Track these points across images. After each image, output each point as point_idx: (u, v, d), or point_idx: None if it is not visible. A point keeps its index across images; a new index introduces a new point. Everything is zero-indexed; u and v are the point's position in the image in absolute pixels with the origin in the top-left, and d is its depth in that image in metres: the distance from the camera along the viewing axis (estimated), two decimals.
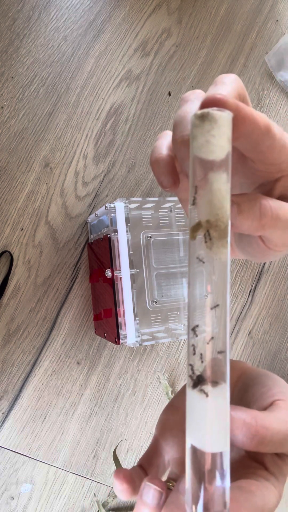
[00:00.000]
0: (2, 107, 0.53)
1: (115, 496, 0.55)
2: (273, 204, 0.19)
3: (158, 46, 0.62)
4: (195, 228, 0.17)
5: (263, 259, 0.24)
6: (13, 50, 0.54)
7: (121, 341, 0.45)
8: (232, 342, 0.65)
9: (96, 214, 0.51)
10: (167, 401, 0.59)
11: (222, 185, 0.17)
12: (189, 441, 0.17)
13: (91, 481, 0.55)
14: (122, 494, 0.22)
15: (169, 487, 0.21)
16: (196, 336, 0.17)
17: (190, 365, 0.17)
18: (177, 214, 0.53)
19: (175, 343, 0.61)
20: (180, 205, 0.52)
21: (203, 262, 0.17)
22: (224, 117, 0.16)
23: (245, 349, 0.66)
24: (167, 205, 0.51)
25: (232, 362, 0.27)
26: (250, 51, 0.68)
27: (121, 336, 0.45)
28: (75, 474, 0.54)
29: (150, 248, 0.51)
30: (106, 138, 0.58)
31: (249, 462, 0.21)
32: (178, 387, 0.60)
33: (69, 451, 0.54)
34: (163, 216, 0.52)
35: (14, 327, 0.52)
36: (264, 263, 0.68)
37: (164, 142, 0.22)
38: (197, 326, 0.17)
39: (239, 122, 0.17)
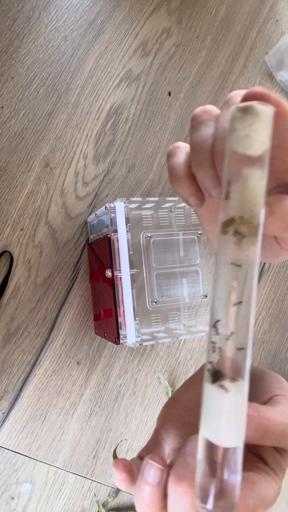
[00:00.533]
0: (2, 107, 0.53)
1: (115, 496, 0.55)
2: None
3: (158, 46, 0.62)
4: (227, 223, 0.17)
5: (274, 259, 0.24)
6: (13, 50, 0.54)
7: (121, 341, 0.45)
8: None
9: (96, 214, 0.51)
10: None
11: (257, 181, 0.16)
12: (203, 435, 0.17)
13: (91, 481, 0.55)
14: (121, 484, 0.22)
15: None
16: (218, 331, 0.17)
17: (210, 361, 0.17)
18: (177, 214, 0.53)
19: (175, 343, 0.61)
20: (180, 205, 0.52)
21: (231, 258, 0.17)
22: (267, 112, 0.16)
23: None
24: (167, 205, 0.51)
25: None
26: (250, 51, 0.68)
27: (121, 336, 0.45)
28: (75, 474, 0.54)
29: (150, 248, 0.51)
30: (106, 138, 0.58)
31: (250, 456, 0.21)
32: (178, 387, 0.60)
33: (69, 451, 0.54)
34: (163, 216, 0.52)
35: (14, 327, 0.52)
36: (264, 263, 0.68)
37: (180, 160, 0.22)
38: (218, 321, 0.17)
39: (278, 118, 0.17)
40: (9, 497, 0.51)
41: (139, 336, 0.46)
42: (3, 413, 0.51)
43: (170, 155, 0.23)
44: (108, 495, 0.55)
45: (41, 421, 0.53)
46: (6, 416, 0.51)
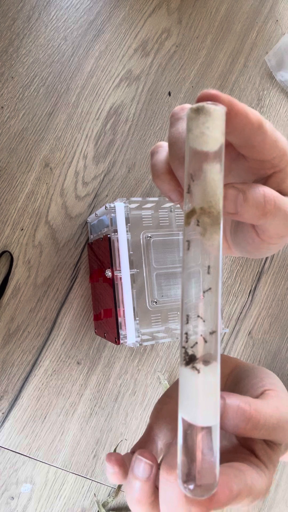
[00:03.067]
0: (2, 107, 0.53)
1: (115, 496, 0.55)
2: (275, 193, 0.20)
3: (158, 46, 0.62)
4: (189, 215, 0.18)
5: (258, 253, 0.24)
6: (13, 50, 0.54)
7: (121, 341, 0.45)
8: (232, 342, 0.65)
9: (96, 214, 0.51)
10: None
11: (215, 174, 0.18)
12: (180, 415, 0.17)
13: (91, 481, 0.55)
14: (113, 477, 0.22)
15: None
16: (189, 317, 0.18)
17: (183, 346, 0.18)
18: (177, 214, 0.53)
19: (175, 343, 0.61)
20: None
21: (196, 247, 0.18)
22: (218, 111, 0.17)
23: (245, 349, 0.66)
24: (167, 205, 0.51)
25: (227, 357, 0.28)
26: (250, 51, 0.68)
27: (121, 336, 0.45)
28: (75, 474, 0.54)
29: (150, 248, 0.51)
30: (106, 138, 0.58)
31: (241, 450, 0.21)
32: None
33: (69, 451, 0.54)
34: (163, 216, 0.52)
35: (14, 327, 0.52)
36: (264, 263, 0.68)
37: (161, 157, 0.23)
38: (189, 308, 0.18)
39: (232, 116, 0.18)
40: (9, 497, 0.51)
41: (139, 336, 0.46)
42: (3, 413, 0.51)
43: (152, 153, 0.24)
44: (108, 495, 0.55)
45: (41, 421, 0.53)
46: (6, 416, 0.51)
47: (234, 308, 0.66)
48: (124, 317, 0.45)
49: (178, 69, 0.63)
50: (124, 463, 0.22)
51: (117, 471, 0.22)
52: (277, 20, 0.71)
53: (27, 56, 0.54)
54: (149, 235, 0.51)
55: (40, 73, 0.55)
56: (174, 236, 0.52)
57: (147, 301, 0.50)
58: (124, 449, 0.56)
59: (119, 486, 0.55)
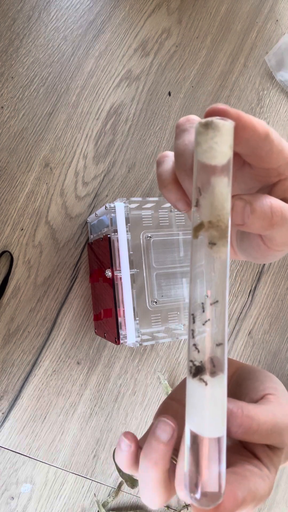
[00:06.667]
0: (2, 107, 0.53)
1: (115, 496, 0.55)
2: (282, 203, 0.20)
3: (158, 46, 0.62)
4: (197, 228, 0.18)
5: (263, 259, 0.25)
6: (13, 50, 0.54)
7: (121, 341, 0.45)
8: (232, 342, 0.65)
9: (96, 214, 0.51)
10: None
11: (223, 188, 0.18)
12: (188, 427, 0.18)
13: (91, 481, 0.55)
14: (124, 457, 0.22)
15: (173, 460, 0.21)
16: (196, 329, 0.18)
17: (191, 360, 0.18)
18: (177, 214, 0.53)
19: (175, 343, 0.60)
20: None
21: (204, 261, 0.18)
22: (226, 126, 0.18)
23: (245, 349, 0.66)
24: (167, 205, 0.51)
25: (229, 360, 0.28)
26: (250, 51, 0.68)
27: (121, 336, 0.45)
28: (75, 474, 0.54)
29: (150, 248, 0.51)
30: (106, 138, 0.58)
31: (243, 451, 0.21)
32: (176, 386, 0.60)
33: (69, 451, 0.54)
34: (163, 216, 0.52)
35: (14, 327, 0.52)
36: (264, 264, 0.68)
37: (167, 167, 0.23)
38: (196, 319, 0.18)
39: (240, 130, 0.19)
40: (9, 497, 0.51)
41: (139, 336, 0.46)
42: (3, 413, 0.51)
43: (158, 164, 0.24)
44: (108, 495, 0.55)
45: (41, 421, 0.53)
46: (6, 416, 0.51)
47: (234, 308, 0.66)
48: (124, 317, 0.45)
49: (178, 69, 0.63)
50: (138, 448, 0.22)
51: (133, 450, 0.22)
52: (277, 20, 0.71)
53: (27, 56, 0.54)
54: (149, 235, 0.51)
55: (40, 73, 0.55)
56: (174, 236, 0.52)
57: (147, 301, 0.50)
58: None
59: (119, 486, 0.55)
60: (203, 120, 0.18)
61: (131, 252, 0.46)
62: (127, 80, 0.59)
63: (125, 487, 0.55)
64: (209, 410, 0.17)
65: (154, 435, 0.20)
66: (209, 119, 0.18)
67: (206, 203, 0.18)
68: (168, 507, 0.58)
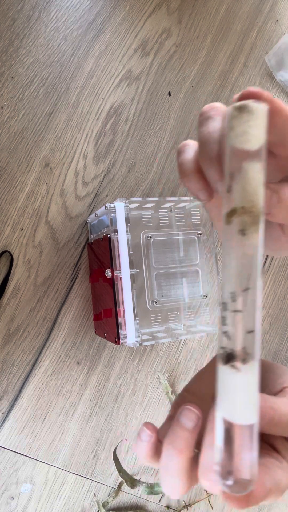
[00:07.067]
0: (2, 107, 0.53)
1: (115, 496, 0.55)
2: None
3: (158, 46, 0.62)
4: (230, 214, 0.18)
5: (280, 252, 0.25)
6: (13, 50, 0.54)
7: (121, 341, 0.45)
8: None
9: (96, 214, 0.51)
10: (167, 401, 0.59)
11: (256, 173, 0.17)
12: (220, 414, 0.18)
13: (91, 481, 0.55)
14: (145, 447, 0.21)
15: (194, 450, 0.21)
16: (227, 316, 0.18)
17: (222, 346, 0.18)
18: (177, 214, 0.53)
19: (175, 343, 0.60)
20: (180, 205, 0.52)
21: (237, 247, 0.18)
22: (261, 109, 0.17)
23: None
24: (167, 205, 0.51)
25: None
26: (250, 51, 0.68)
27: (121, 336, 0.45)
28: (75, 474, 0.54)
29: (150, 248, 0.51)
30: (106, 138, 0.58)
31: (263, 445, 0.21)
32: (178, 387, 0.60)
33: (69, 451, 0.54)
34: (163, 216, 0.52)
35: (14, 327, 0.52)
36: (264, 263, 0.68)
37: (189, 156, 0.23)
38: (228, 306, 0.18)
39: (273, 114, 0.18)
40: (9, 497, 0.51)
41: (139, 336, 0.46)
42: (3, 413, 0.51)
43: (179, 153, 0.23)
44: (108, 495, 0.55)
45: (41, 421, 0.53)
46: (6, 416, 0.51)
47: None
48: (124, 317, 0.45)
49: (178, 69, 0.63)
50: (159, 438, 0.22)
51: (154, 440, 0.21)
52: (277, 20, 0.71)
53: (27, 56, 0.54)
54: (149, 235, 0.51)
55: (40, 73, 0.55)
56: (174, 236, 0.52)
57: (147, 301, 0.50)
58: (124, 449, 0.56)
59: (119, 486, 0.55)
60: (237, 104, 0.18)
61: (131, 252, 0.46)
62: (127, 80, 0.59)
63: (125, 487, 0.55)
64: (241, 397, 0.17)
65: (179, 423, 0.20)
66: (244, 102, 0.17)
67: (239, 189, 0.17)
68: (168, 507, 0.58)
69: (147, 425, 0.22)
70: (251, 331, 0.17)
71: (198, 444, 0.21)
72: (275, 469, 0.19)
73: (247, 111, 0.17)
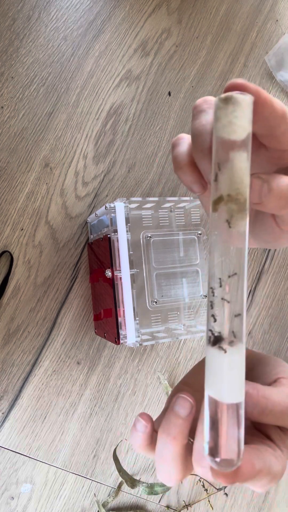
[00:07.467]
0: (2, 107, 0.53)
1: (115, 496, 0.55)
2: None
3: (158, 46, 0.62)
4: (216, 201, 0.18)
5: (275, 244, 0.25)
6: (13, 50, 0.54)
7: (121, 341, 0.45)
8: None
9: (96, 214, 0.51)
10: None
11: (242, 163, 0.18)
12: (207, 393, 0.18)
13: (91, 481, 0.55)
14: (140, 437, 0.22)
15: (189, 440, 0.22)
16: (215, 301, 0.18)
17: (210, 329, 0.18)
18: (177, 214, 0.53)
19: (175, 343, 0.61)
20: (180, 205, 0.52)
21: (223, 233, 0.18)
22: (246, 100, 0.18)
23: None
24: (167, 205, 0.51)
25: None
26: (250, 51, 0.68)
27: (121, 336, 0.45)
28: (75, 474, 0.54)
29: (150, 248, 0.51)
30: (106, 138, 0.58)
31: (256, 433, 0.22)
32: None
33: (69, 451, 0.54)
34: (163, 216, 0.52)
35: (14, 327, 0.52)
36: (264, 263, 0.68)
37: (183, 149, 0.23)
38: (216, 293, 0.18)
39: (259, 106, 0.19)
40: (9, 497, 0.51)
41: (139, 336, 0.46)
42: (3, 413, 0.51)
43: (174, 146, 0.24)
44: (108, 495, 0.55)
45: (41, 421, 0.53)
46: (6, 416, 0.51)
47: None
48: (124, 317, 0.45)
49: (178, 69, 0.63)
50: (154, 428, 0.22)
51: (149, 430, 0.22)
52: (277, 20, 0.71)
53: (27, 56, 0.54)
54: (149, 235, 0.51)
55: (40, 73, 0.55)
56: (174, 236, 0.52)
57: (147, 301, 0.50)
58: (124, 449, 0.56)
59: (119, 486, 0.55)
60: (223, 95, 0.18)
61: (131, 252, 0.46)
62: (127, 80, 0.59)
63: (125, 487, 0.55)
64: (228, 377, 0.18)
65: (173, 411, 0.20)
66: (229, 93, 0.18)
67: (225, 177, 0.18)
68: (168, 507, 0.58)
69: (142, 415, 0.22)
70: (238, 315, 0.18)
71: (192, 434, 0.21)
72: (267, 454, 0.20)
73: (232, 102, 0.18)
